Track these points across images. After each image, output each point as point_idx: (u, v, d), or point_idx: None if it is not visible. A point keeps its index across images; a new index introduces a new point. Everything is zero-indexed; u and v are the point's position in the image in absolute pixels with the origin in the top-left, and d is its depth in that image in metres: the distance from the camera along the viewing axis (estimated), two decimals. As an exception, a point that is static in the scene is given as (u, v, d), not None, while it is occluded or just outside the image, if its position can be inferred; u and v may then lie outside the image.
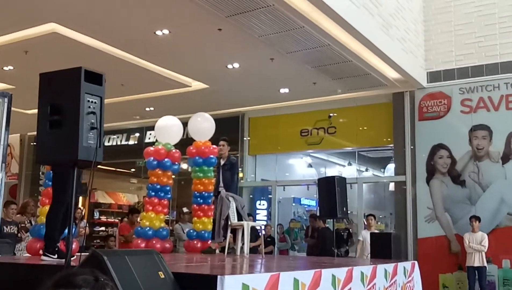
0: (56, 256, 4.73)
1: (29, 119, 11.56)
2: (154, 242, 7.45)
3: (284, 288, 3.54)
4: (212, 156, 8.11)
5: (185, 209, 10.03)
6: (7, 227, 7.36)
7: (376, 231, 10.15)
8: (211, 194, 8.00)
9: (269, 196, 12.90)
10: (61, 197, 4.48)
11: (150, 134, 13.64)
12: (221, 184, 7.41)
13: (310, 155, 13.59)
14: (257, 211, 13.00)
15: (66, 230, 4.05)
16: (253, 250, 8.39)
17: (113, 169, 15.94)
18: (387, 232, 10.20)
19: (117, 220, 17.04)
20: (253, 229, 8.02)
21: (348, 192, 9.23)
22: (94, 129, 3.48)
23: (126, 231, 8.99)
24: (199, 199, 8.04)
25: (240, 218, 7.14)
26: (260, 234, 8.87)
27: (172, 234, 9.88)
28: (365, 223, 11.47)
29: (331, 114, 11.81)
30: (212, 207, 8.06)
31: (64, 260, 3.89)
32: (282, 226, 12.49)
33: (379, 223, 11.69)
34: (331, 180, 8.86)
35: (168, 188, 7.90)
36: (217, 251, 7.55)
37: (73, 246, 4.73)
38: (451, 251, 9.96)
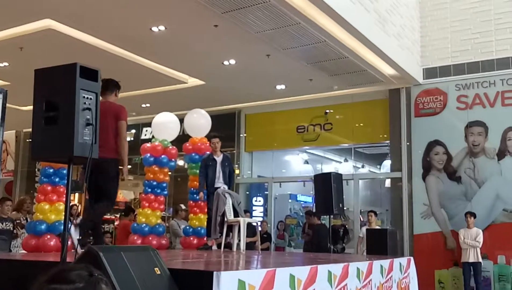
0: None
1: (25, 116, 11.48)
2: (150, 238, 7.45)
3: (280, 284, 3.54)
4: (208, 152, 8.12)
5: (183, 207, 10.04)
6: (2, 223, 7.34)
7: (378, 227, 10.17)
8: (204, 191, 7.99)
9: (266, 192, 12.91)
10: (111, 198, 5.18)
11: (146, 130, 13.64)
12: (221, 180, 7.36)
13: (307, 151, 13.60)
14: (254, 208, 13.01)
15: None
16: (250, 246, 8.38)
17: (109, 165, 15.88)
18: (383, 228, 10.20)
19: (113, 217, 17.01)
20: (250, 225, 8.02)
21: (344, 189, 9.22)
22: (90, 125, 3.47)
23: None
24: (195, 195, 8.03)
25: (236, 214, 7.14)
26: (257, 230, 8.87)
27: (167, 230, 9.88)
28: (361, 219, 11.50)
29: (327, 111, 11.82)
30: (202, 204, 8.05)
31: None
32: (283, 223, 12.49)
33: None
34: (327, 176, 8.84)
35: (164, 184, 7.90)
36: (214, 247, 7.56)
37: (69, 242, 4.72)
38: (447, 247, 9.99)
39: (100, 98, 4.78)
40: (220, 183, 7.35)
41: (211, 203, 7.30)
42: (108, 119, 5.03)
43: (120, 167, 5.22)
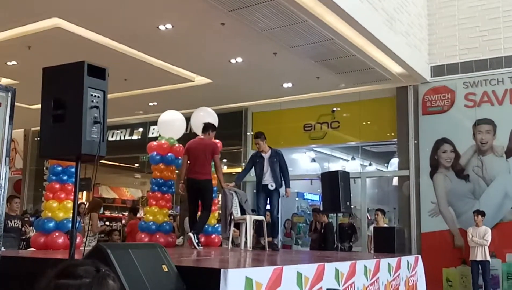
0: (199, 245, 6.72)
1: (33, 114, 11.56)
2: (157, 236, 7.46)
3: (288, 281, 3.55)
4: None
5: None
6: (11, 221, 7.38)
7: (385, 225, 10.15)
8: (215, 188, 8.01)
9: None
10: (210, 208, 7.03)
11: (154, 129, 13.67)
12: (268, 177, 7.31)
13: (314, 149, 13.58)
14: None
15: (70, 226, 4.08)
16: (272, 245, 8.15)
17: (117, 164, 15.99)
18: (391, 227, 10.20)
19: (121, 215, 17.12)
20: (270, 224, 7.92)
21: (351, 187, 9.22)
22: (97, 123, 3.48)
23: None
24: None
25: (243, 212, 7.15)
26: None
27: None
28: (369, 217, 11.48)
29: (334, 109, 11.79)
30: (217, 201, 8.07)
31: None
32: (291, 222, 12.48)
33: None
34: (334, 174, 8.84)
35: (171, 182, 7.90)
36: (227, 245, 7.54)
37: (77, 240, 4.74)
38: (455, 245, 9.95)
39: (201, 135, 7.30)
40: (267, 181, 7.31)
41: (258, 200, 7.41)
42: (206, 153, 6.94)
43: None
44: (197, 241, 6.72)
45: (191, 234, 6.74)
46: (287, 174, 7.44)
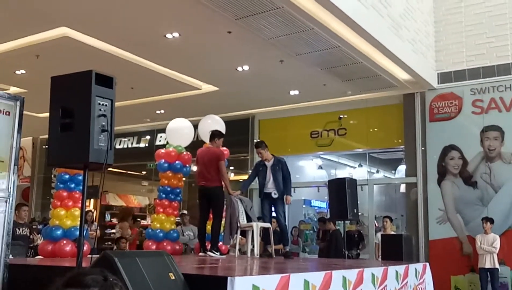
0: (219, 253, 6.95)
1: (41, 123, 11.63)
2: (165, 244, 7.48)
3: (295, 289, 3.54)
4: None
5: (184, 211, 10.13)
6: (19, 229, 7.41)
7: (393, 232, 10.09)
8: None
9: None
10: (220, 215, 7.13)
11: (161, 136, 13.71)
12: (270, 185, 7.26)
13: (321, 156, 13.56)
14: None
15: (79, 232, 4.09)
16: (278, 253, 8.02)
17: (124, 171, 16.03)
18: (398, 234, 10.15)
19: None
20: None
21: (358, 194, 9.19)
22: (105, 132, 3.50)
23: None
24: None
25: (249, 219, 7.14)
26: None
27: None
28: (376, 224, 11.43)
29: (341, 116, 11.78)
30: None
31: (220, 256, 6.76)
32: (297, 229, 12.46)
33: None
34: (341, 181, 8.82)
35: (178, 190, 7.93)
36: (234, 253, 7.54)
37: (85, 248, 4.76)
38: (463, 252, 9.88)
39: (208, 143, 7.61)
40: (270, 189, 7.26)
41: (263, 207, 7.40)
42: (212, 161, 7.10)
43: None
44: (218, 253, 6.92)
45: (210, 253, 6.87)
46: (290, 182, 7.38)
